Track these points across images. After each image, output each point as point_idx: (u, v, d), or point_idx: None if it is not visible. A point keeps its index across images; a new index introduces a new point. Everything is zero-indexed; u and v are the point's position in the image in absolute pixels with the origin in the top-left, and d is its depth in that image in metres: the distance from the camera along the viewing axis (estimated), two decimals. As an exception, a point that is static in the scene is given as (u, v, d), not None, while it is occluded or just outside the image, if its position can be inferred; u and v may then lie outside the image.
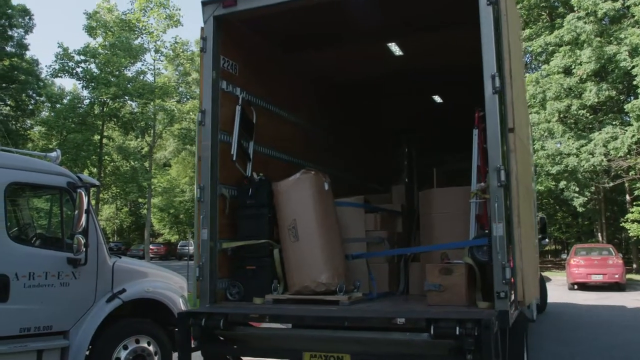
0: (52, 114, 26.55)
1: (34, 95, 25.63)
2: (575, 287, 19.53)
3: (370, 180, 9.90)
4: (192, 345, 5.12)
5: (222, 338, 5.27)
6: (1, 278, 5.16)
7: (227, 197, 5.99)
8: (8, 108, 22.97)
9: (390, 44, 7.51)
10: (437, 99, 10.18)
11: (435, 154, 10.68)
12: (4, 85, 20.48)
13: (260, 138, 6.84)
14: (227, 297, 5.87)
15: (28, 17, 24.87)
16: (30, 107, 25.58)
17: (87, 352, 5.68)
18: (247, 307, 5.44)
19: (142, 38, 34.69)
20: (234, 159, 6.03)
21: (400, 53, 7.72)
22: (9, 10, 23.33)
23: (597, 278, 18.88)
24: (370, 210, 6.64)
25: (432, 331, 4.25)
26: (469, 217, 5.48)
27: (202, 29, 5.97)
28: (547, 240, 16.83)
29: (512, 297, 4.57)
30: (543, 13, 30.82)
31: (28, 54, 25.53)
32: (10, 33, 23.58)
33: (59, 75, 27.15)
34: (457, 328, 4.18)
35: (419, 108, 10.59)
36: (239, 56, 6.46)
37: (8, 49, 22.95)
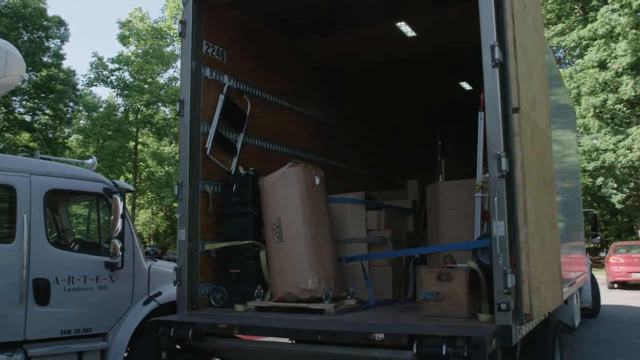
0: (89, 122, 26.57)
1: (71, 104, 25.73)
2: (615, 285, 18.10)
3: (391, 175, 9.01)
4: (162, 357, 4.43)
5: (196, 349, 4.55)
6: (42, 282, 5.17)
7: (209, 194, 5.27)
8: (47, 117, 23.04)
9: (400, 24, 6.63)
10: (466, 85, 9.22)
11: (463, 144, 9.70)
12: (42, 95, 20.51)
13: (256, 130, 6.10)
14: (211, 303, 5.15)
15: (63, 27, 24.93)
16: (68, 115, 25.66)
17: (126, 354, 5.53)
18: (224, 315, 4.69)
19: (173, 45, 34.50)
20: (208, 153, 5.29)
21: (413, 34, 6.85)
22: (45, 22, 23.41)
23: (638, 276, 17.46)
24: (374, 208, 5.79)
25: (414, 349, 3.41)
26: (478, 213, 4.60)
27: (183, 12, 5.29)
28: (598, 237, 15.57)
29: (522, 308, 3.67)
30: (576, 7, 28.95)
31: (64, 64, 25.67)
32: (47, 44, 23.65)
33: (94, 84, 27.17)
34: (444, 347, 3.32)
35: (444, 96, 9.64)
36: (228, 41, 5.73)
37: (45, 59, 22.99)
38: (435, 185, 5.41)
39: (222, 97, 5.53)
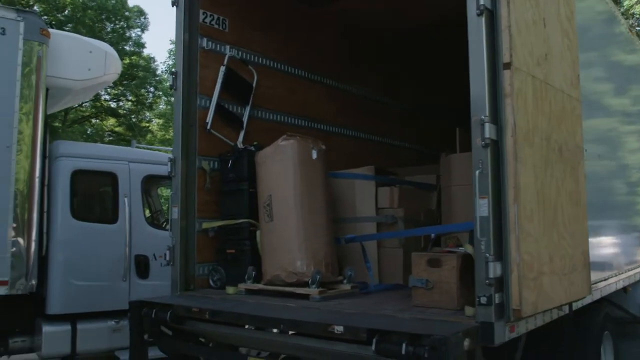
0: (168, 106, 27.26)
1: (152, 89, 26.53)
2: None
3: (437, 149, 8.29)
4: (145, 338, 4.26)
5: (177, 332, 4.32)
6: (142, 258, 6.17)
7: (206, 170, 4.99)
8: (130, 103, 23.97)
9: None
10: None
11: None
12: (125, 82, 21.32)
13: (268, 102, 5.74)
14: (209, 283, 4.92)
15: (143, 17, 25.70)
16: (149, 101, 26.49)
17: None
18: (208, 297, 4.42)
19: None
20: (209, 127, 4.99)
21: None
22: (127, 13, 24.23)
23: None
24: (387, 184, 5.24)
25: (373, 346, 2.93)
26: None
27: (177, -22, 4.99)
28: None
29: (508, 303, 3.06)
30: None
31: (145, 52, 26.44)
32: (128, 34, 24.49)
33: (172, 70, 27.76)
34: (404, 345, 2.81)
35: None
36: (231, 9, 5.37)
37: (127, 48, 23.83)
38: (448, 157, 4.75)
39: (222, 68, 5.21)
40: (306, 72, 6.23)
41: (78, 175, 6.51)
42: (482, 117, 3.06)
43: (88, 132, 24.48)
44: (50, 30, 6.31)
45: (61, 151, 6.46)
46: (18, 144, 5.83)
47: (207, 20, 5.16)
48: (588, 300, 4.47)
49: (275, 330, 3.70)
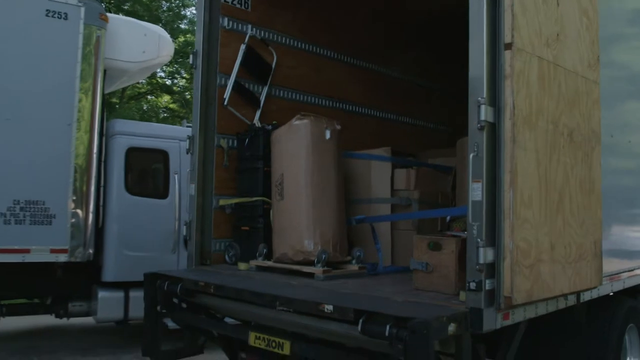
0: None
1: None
2: None
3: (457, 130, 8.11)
4: (158, 309, 4.42)
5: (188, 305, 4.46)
6: None
7: (224, 148, 5.07)
8: (184, 80, 24.38)
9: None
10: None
11: None
12: (179, 60, 21.71)
13: (289, 82, 5.74)
14: (225, 259, 5.03)
15: (199, -5, 26.05)
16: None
17: None
18: (218, 272, 4.53)
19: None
20: (225, 104, 5.04)
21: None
22: (181, -9, 24.71)
23: None
24: (404, 165, 5.18)
25: (359, 326, 2.94)
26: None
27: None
28: None
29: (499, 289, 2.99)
30: None
31: None
32: (183, 12, 24.88)
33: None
34: (388, 327, 2.81)
35: None
36: None
37: (182, 26, 24.17)
38: (462, 140, 4.63)
39: (242, 47, 5.24)
40: (331, 52, 6.19)
41: (132, 153, 7.06)
42: (479, 98, 2.97)
43: (144, 108, 25.16)
44: (109, 14, 6.83)
45: (117, 129, 6.98)
46: (78, 122, 6.35)
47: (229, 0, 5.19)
48: (606, 290, 4.32)
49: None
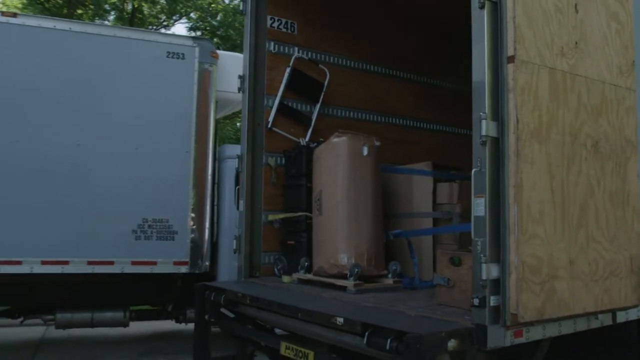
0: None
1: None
2: None
3: None
4: (206, 318, 4.70)
5: (233, 315, 4.70)
6: None
7: (272, 166, 5.30)
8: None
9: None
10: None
11: None
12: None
13: (339, 99, 5.89)
14: (274, 272, 5.24)
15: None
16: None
17: None
18: (261, 284, 4.73)
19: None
20: (269, 126, 5.27)
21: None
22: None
23: None
24: (447, 180, 5.11)
25: (365, 339, 2.99)
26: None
27: (241, -12, 5.34)
28: None
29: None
30: None
31: None
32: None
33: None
34: (389, 341, 2.84)
35: None
36: (299, 12, 5.60)
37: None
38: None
39: (288, 69, 5.46)
40: (380, 67, 6.26)
41: None
42: (481, 113, 2.94)
43: (237, 125, 26.44)
44: (218, 51, 7.55)
45: (227, 154, 7.50)
46: (194, 149, 7.13)
47: (275, 24, 5.44)
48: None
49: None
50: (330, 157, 4.72)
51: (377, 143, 4.81)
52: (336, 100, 5.87)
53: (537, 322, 3.04)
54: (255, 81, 5.27)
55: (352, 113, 6.01)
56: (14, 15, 6.67)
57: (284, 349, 3.89)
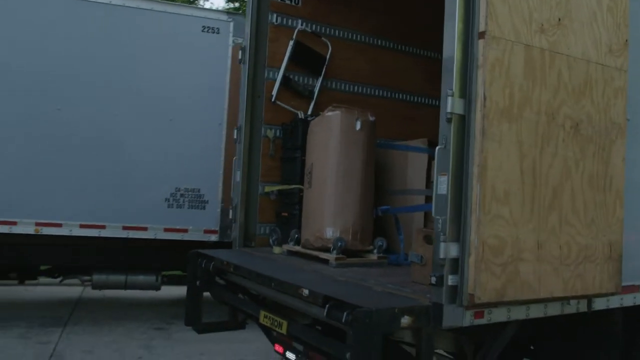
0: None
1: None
2: None
3: None
4: (197, 284, 4.82)
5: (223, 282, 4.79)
6: None
7: (270, 138, 5.32)
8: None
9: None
10: None
11: None
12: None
13: (345, 74, 5.83)
14: (269, 242, 5.30)
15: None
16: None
17: None
18: (251, 254, 4.81)
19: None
20: (273, 100, 5.27)
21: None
22: None
23: None
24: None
25: (325, 311, 3.03)
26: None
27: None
28: None
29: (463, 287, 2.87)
30: None
31: None
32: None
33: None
34: (345, 314, 2.86)
35: None
36: None
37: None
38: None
39: (291, 42, 5.43)
40: (388, 42, 6.14)
41: None
42: (448, 90, 2.87)
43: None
44: None
45: None
46: (227, 122, 7.35)
47: (278, -4, 5.40)
48: (629, 301, 3.84)
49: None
50: (322, 130, 4.71)
51: (372, 118, 4.76)
52: (342, 74, 5.81)
53: (500, 304, 3.01)
54: (256, 53, 5.27)
55: (358, 88, 5.95)
56: None
57: (262, 317, 3.96)
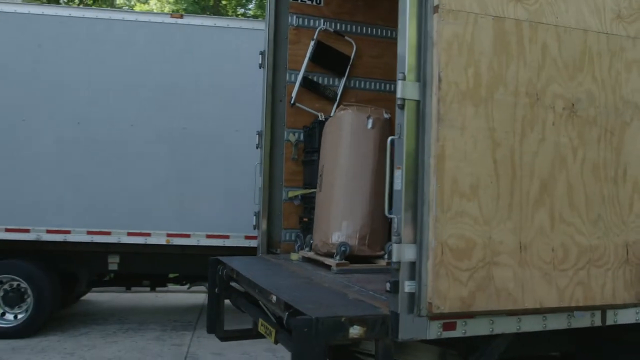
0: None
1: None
2: None
3: None
4: (215, 291, 4.75)
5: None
6: None
7: (292, 142, 5.15)
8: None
9: None
10: None
11: None
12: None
13: (373, 72, 5.52)
14: (295, 249, 5.13)
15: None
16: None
17: None
18: (270, 261, 4.65)
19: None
20: (292, 102, 5.10)
21: None
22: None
23: None
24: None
25: (285, 318, 2.80)
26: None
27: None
28: None
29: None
30: None
31: None
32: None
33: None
34: (287, 322, 2.63)
35: None
36: None
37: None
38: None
39: (312, 43, 5.24)
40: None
41: None
42: (399, 73, 2.54)
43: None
44: None
45: None
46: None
47: (299, -3, 5.25)
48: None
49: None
50: (334, 131, 4.47)
51: (387, 115, 4.44)
52: (369, 72, 5.51)
53: (478, 315, 2.59)
54: (275, 57, 5.15)
55: (385, 85, 5.61)
56: (181, 16, 7.37)
57: (260, 325, 3.79)
